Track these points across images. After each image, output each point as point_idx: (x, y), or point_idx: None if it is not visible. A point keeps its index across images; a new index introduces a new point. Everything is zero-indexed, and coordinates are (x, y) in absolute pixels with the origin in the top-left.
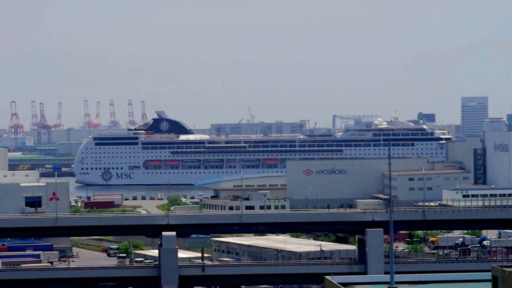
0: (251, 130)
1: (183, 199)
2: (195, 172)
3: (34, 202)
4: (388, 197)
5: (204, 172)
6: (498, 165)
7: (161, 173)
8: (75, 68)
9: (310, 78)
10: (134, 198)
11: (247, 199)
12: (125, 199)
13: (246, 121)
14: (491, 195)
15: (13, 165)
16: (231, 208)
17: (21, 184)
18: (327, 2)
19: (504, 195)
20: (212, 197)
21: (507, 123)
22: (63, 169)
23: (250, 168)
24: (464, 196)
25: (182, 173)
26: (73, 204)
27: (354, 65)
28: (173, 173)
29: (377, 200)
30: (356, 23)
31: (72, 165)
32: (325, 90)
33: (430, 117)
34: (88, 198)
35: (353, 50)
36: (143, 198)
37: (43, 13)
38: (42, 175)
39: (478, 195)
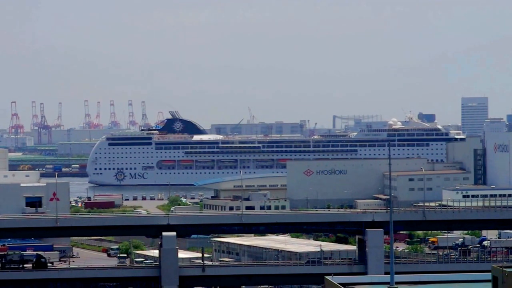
0: (251, 130)
1: (183, 200)
2: (209, 173)
3: (34, 203)
4: (388, 197)
5: (218, 172)
6: (498, 166)
7: (174, 173)
8: (75, 69)
9: (310, 78)
10: (134, 199)
11: (247, 199)
12: (125, 199)
13: (246, 122)
14: (491, 196)
15: (14, 166)
16: (231, 208)
17: (22, 185)
18: (328, 6)
19: (504, 195)
20: (212, 197)
21: (507, 123)
22: (63, 169)
23: (264, 168)
24: (464, 196)
25: (196, 173)
26: (73, 204)
27: (354, 66)
28: (187, 173)
29: (377, 200)
30: (356, 26)
31: (73, 166)
32: (325, 90)
33: (430, 118)
34: (89, 198)
35: (353, 51)
36: (143, 198)
37: (44, 14)
38: (43, 175)
39: (478, 195)
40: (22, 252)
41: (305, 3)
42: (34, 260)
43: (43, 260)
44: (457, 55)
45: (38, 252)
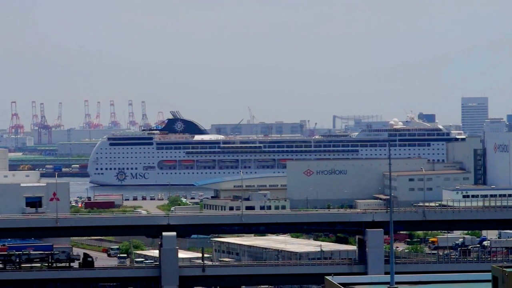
0: (251, 130)
1: (184, 200)
2: (210, 173)
3: (34, 203)
4: (388, 197)
5: (219, 173)
6: (498, 166)
7: (176, 173)
8: (75, 69)
9: (310, 78)
10: (135, 199)
11: (248, 199)
12: (125, 199)
13: (247, 122)
14: (491, 196)
15: (14, 166)
16: (231, 208)
17: (22, 185)
18: (328, 6)
19: (504, 195)
20: (212, 197)
21: (507, 123)
22: (63, 169)
23: (265, 168)
24: (464, 196)
25: (197, 173)
26: (73, 204)
27: (354, 66)
28: (188, 173)
29: (377, 200)
30: (356, 26)
31: (73, 166)
32: (325, 90)
33: (430, 118)
34: (89, 198)
35: (353, 51)
36: (144, 198)
37: (44, 14)
38: (43, 175)
39: (478, 195)
40: (69, 252)
41: (304, 3)
42: (81, 259)
43: (90, 259)
44: (457, 55)
45: (85, 251)
